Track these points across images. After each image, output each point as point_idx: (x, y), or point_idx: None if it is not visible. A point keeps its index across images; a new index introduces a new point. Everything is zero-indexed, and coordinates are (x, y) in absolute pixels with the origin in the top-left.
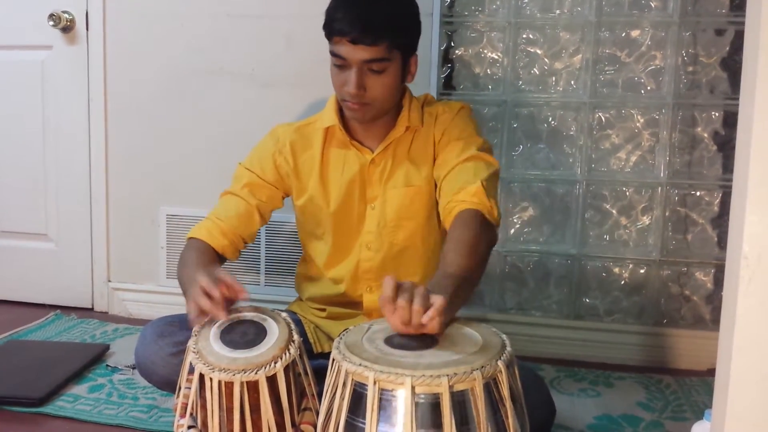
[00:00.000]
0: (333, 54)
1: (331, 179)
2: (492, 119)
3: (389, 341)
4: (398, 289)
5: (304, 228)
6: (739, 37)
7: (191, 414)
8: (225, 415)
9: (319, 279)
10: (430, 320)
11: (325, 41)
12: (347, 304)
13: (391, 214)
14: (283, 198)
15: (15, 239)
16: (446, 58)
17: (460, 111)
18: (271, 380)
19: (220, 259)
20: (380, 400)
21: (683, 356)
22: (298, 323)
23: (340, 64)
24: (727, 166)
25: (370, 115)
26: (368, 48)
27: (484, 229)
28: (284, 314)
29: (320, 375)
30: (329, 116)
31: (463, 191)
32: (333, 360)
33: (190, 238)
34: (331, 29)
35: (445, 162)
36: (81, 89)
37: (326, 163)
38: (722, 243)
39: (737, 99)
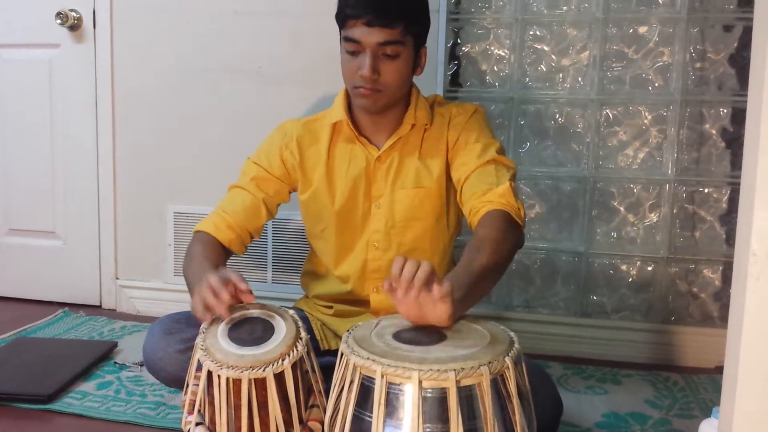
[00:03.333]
0: (347, 39)
1: (336, 174)
2: (499, 116)
3: (398, 336)
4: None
5: (307, 225)
6: (747, 33)
7: (199, 411)
8: (233, 412)
9: (326, 277)
10: (439, 293)
11: (332, 38)
12: (354, 303)
13: (399, 214)
14: (290, 192)
15: (23, 237)
16: (453, 55)
17: (475, 113)
18: (279, 377)
19: (226, 252)
20: (388, 394)
21: (691, 354)
22: (305, 320)
23: (354, 49)
24: (736, 163)
25: (381, 104)
26: (383, 30)
27: (510, 229)
28: (291, 311)
29: (327, 372)
30: (338, 111)
31: (490, 192)
32: (341, 354)
33: (197, 231)
34: (345, 13)
35: (465, 164)
36: (88, 87)
37: (332, 158)
38: (730, 240)
39: (745, 95)
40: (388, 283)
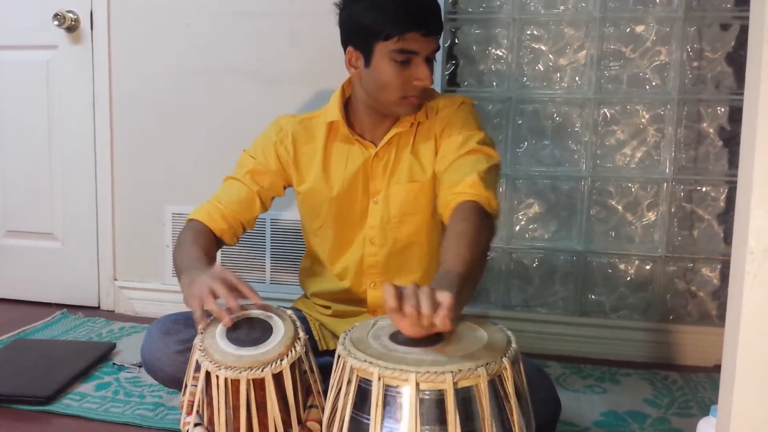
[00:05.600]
0: (401, 51)
1: (333, 173)
2: (496, 116)
3: (394, 338)
4: (401, 295)
5: (304, 222)
6: (744, 32)
7: (197, 411)
8: (231, 412)
9: (323, 274)
10: (442, 320)
11: (330, 39)
12: (351, 301)
13: (395, 209)
14: (284, 187)
15: (21, 238)
16: (450, 54)
17: (461, 105)
18: (278, 378)
19: (218, 242)
20: (385, 396)
21: (689, 352)
22: (304, 321)
23: (405, 59)
24: (733, 162)
25: (420, 107)
26: (435, 39)
27: (483, 221)
28: (290, 312)
29: (325, 372)
30: (333, 111)
31: (460, 184)
32: (338, 356)
33: (190, 219)
34: (402, 27)
35: (445, 156)
36: (86, 89)
37: (329, 157)
38: (728, 239)
39: (743, 94)
40: (389, 311)
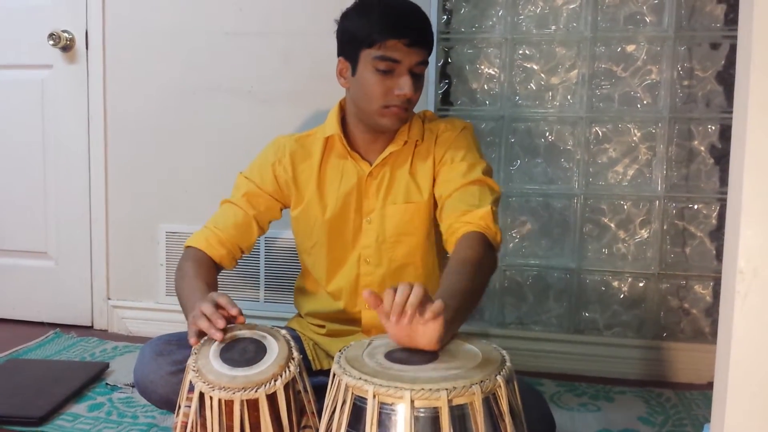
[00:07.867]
0: (382, 59)
1: (328, 189)
2: (489, 134)
3: (390, 356)
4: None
5: (297, 240)
6: (734, 50)
7: None
8: None
9: (317, 293)
10: (432, 313)
11: (322, 57)
12: (346, 321)
13: (390, 229)
14: (281, 209)
15: (14, 257)
16: (444, 73)
17: (463, 130)
18: (271, 398)
19: (217, 268)
20: (380, 414)
21: (683, 370)
22: (297, 340)
23: (388, 68)
24: (725, 179)
25: (405, 121)
26: (420, 51)
27: (487, 253)
28: (284, 331)
29: (320, 392)
30: (331, 126)
31: (470, 213)
32: (333, 374)
33: (188, 246)
34: (383, 34)
35: (448, 181)
36: (81, 107)
37: (324, 172)
38: (721, 256)
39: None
40: (374, 299)
